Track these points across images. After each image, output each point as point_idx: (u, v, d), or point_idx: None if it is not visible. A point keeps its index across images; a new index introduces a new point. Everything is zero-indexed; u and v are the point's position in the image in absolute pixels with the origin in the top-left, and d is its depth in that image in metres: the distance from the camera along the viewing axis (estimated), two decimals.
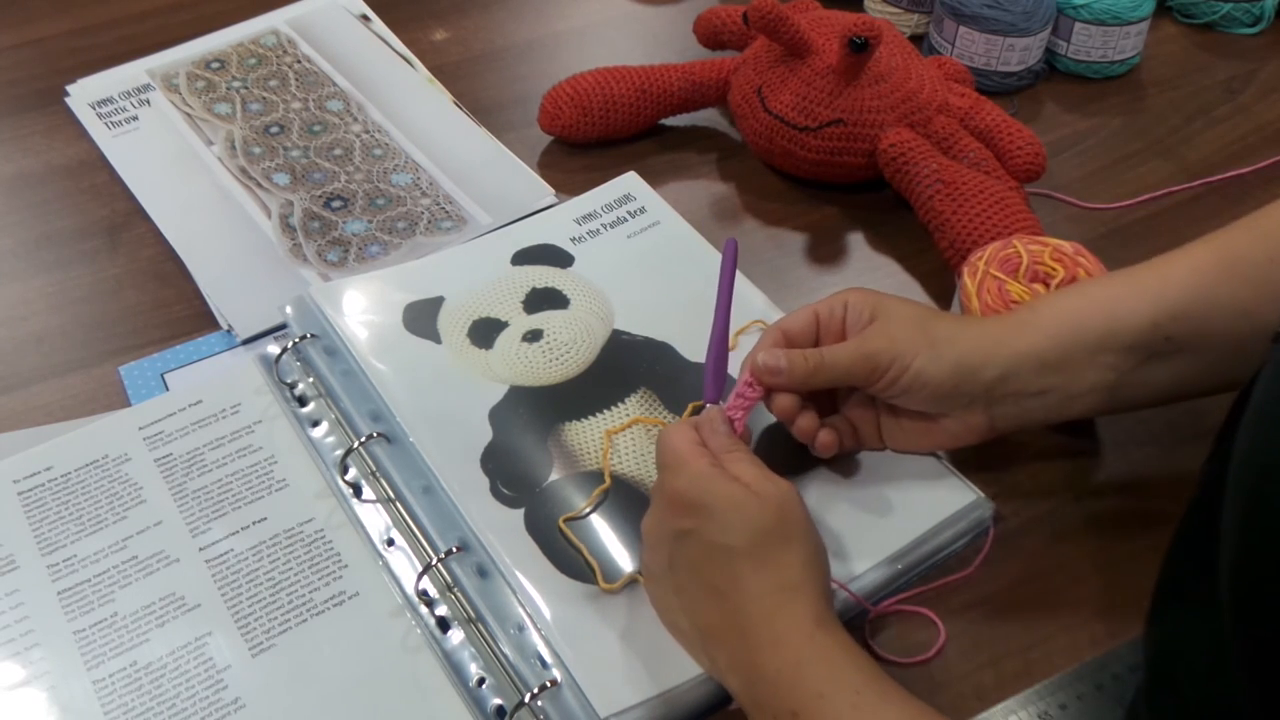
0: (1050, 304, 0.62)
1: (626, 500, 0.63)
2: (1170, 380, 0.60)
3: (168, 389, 0.72)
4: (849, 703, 0.49)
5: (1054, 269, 0.69)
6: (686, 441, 0.56)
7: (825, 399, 0.65)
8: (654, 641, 0.57)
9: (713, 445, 0.57)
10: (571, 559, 0.61)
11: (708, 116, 0.93)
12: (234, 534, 0.64)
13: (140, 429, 0.69)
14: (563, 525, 0.62)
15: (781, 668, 0.51)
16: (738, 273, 0.76)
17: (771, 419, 0.65)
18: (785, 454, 0.64)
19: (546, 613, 0.58)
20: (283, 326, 0.75)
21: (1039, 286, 0.69)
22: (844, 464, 0.65)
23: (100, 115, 0.92)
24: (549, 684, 0.56)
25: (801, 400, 0.62)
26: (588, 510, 0.63)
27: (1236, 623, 0.38)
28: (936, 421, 0.62)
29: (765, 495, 0.53)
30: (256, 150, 0.89)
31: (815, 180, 0.86)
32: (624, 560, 0.60)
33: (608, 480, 0.64)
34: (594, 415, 0.68)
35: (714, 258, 0.78)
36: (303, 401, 0.70)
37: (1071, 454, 0.68)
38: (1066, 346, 0.59)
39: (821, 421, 0.63)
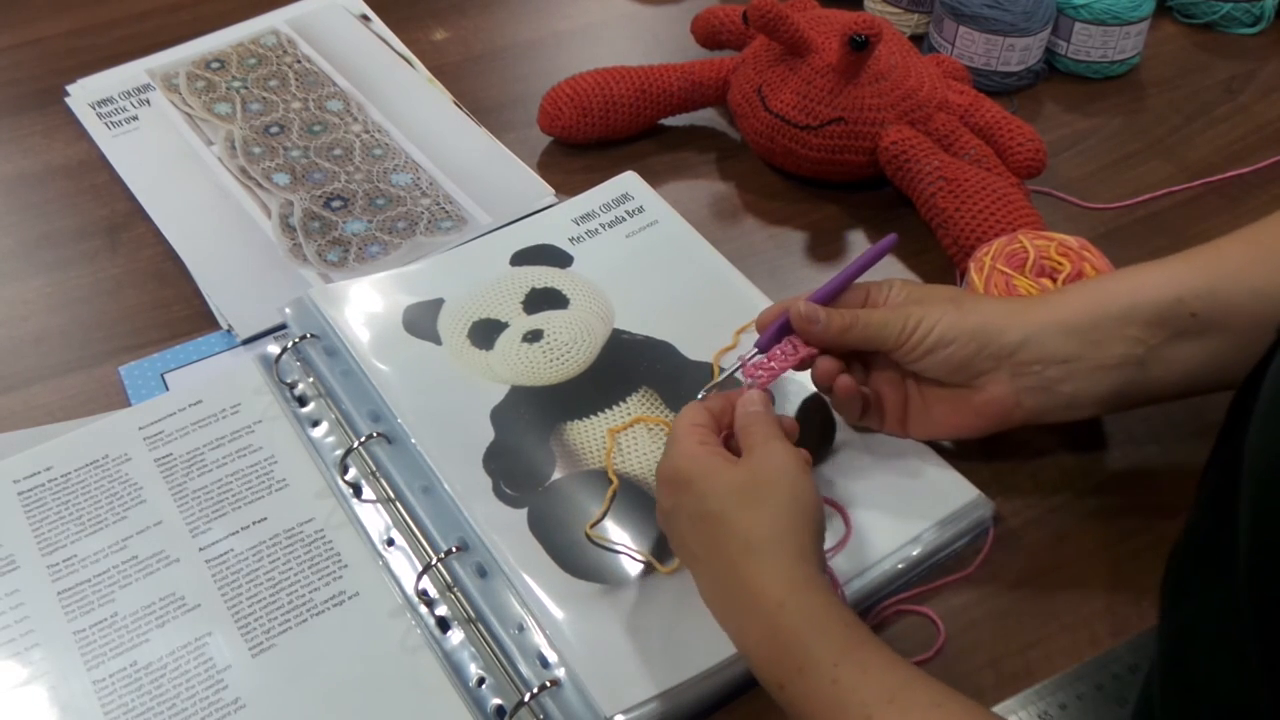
0: (1077, 285, 0.64)
1: (631, 499, 0.63)
2: (1197, 362, 0.60)
3: (168, 389, 0.72)
4: (828, 677, 0.49)
5: (1060, 263, 0.69)
6: (685, 422, 0.58)
7: (856, 370, 0.66)
8: (656, 640, 0.57)
9: (739, 418, 0.59)
10: (575, 558, 0.60)
11: (708, 116, 0.93)
12: (234, 534, 0.64)
13: (140, 429, 0.69)
14: (590, 533, 0.61)
15: (760, 640, 0.51)
16: (738, 271, 0.76)
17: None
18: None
19: (552, 612, 0.58)
20: (283, 327, 0.75)
21: (1046, 281, 0.69)
22: (845, 464, 0.65)
23: (100, 115, 0.92)
24: (549, 683, 0.56)
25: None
26: (604, 514, 0.62)
27: (1255, 619, 0.38)
28: (961, 399, 0.62)
29: (747, 461, 0.55)
30: (256, 150, 0.89)
31: (816, 179, 0.86)
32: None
33: (614, 480, 0.64)
34: (595, 414, 0.67)
35: (713, 257, 0.77)
36: (303, 401, 0.70)
37: (1072, 452, 0.68)
38: (1091, 314, 0.60)
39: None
